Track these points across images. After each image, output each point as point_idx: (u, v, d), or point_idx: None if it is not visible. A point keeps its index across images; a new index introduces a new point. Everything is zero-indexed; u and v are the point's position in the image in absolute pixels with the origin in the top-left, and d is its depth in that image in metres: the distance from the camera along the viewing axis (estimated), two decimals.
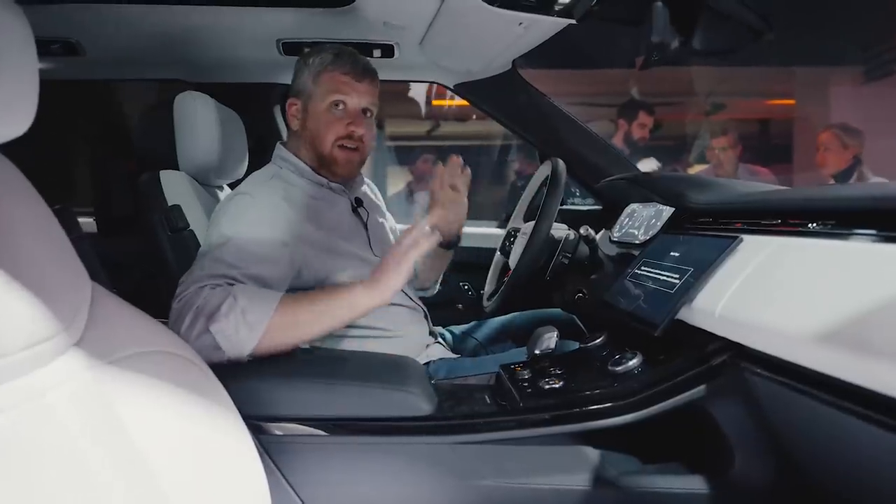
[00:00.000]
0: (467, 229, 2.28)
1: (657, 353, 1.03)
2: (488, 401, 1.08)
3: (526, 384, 1.06)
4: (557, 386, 1.03)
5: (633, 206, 1.58)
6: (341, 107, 1.33)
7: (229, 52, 1.75)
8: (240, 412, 0.95)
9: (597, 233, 1.82)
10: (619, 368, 1.02)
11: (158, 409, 0.74)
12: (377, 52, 1.69)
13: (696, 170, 4.23)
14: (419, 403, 1.00)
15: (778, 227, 0.97)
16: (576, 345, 1.31)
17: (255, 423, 0.98)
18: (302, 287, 1.27)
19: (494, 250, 1.78)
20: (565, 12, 1.26)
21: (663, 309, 1.00)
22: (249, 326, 1.00)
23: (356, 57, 1.35)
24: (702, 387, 0.94)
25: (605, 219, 1.77)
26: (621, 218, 1.60)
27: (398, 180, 5.01)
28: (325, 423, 0.99)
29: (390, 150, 5.84)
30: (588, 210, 2.12)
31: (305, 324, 1.07)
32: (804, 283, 0.80)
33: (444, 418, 1.01)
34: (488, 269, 1.77)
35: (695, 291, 0.97)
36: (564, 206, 2.15)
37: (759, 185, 1.55)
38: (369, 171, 5.40)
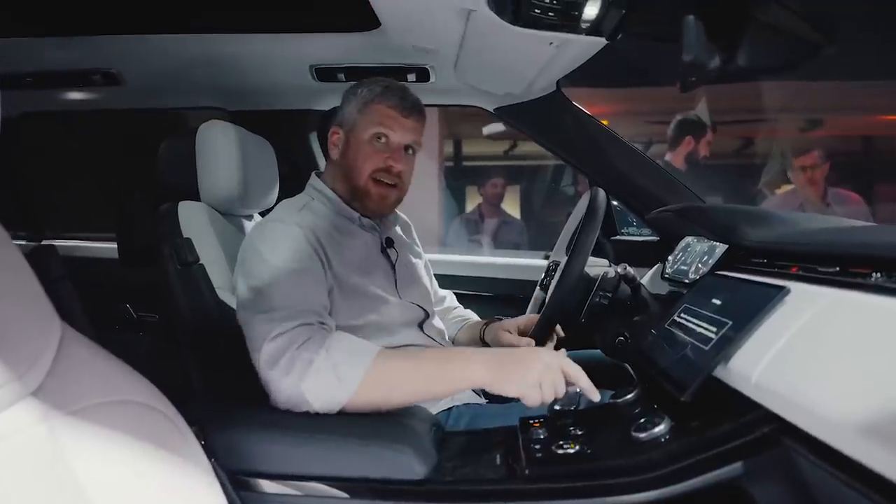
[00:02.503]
0: (510, 260, 2.20)
1: (689, 418, 0.88)
2: (498, 462, 0.97)
3: (538, 446, 0.94)
4: (572, 451, 0.91)
5: (688, 239, 1.43)
6: (383, 140, 1.29)
7: (265, 79, 1.75)
8: (222, 466, 0.90)
9: (652, 266, 1.68)
10: (643, 435, 0.88)
11: (118, 463, 0.69)
12: (411, 77, 1.64)
13: (782, 191, 3.90)
14: (412, 464, 0.90)
15: (835, 275, 0.82)
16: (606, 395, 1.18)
17: (240, 479, 0.92)
18: None
19: (537, 283, 1.66)
20: (593, 30, 1.15)
21: (694, 369, 0.86)
22: (340, 381, 0.96)
23: (406, 92, 1.30)
24: (738, 463, 0.79)
25: (662, 250, 1.62)
26: (675, 252, 1.45)
27: (476, 200, 4.95)
28: (308, 481, 0.91)
29: (469, 170, 5.83)
30: (644, 241, 1.96)
31: (402, 385, 1.00)
32: (856, 353, 0.65)
33: (440, 482, 0.90)
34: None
35: (732, 350, 0.82)
36: (618, 237, 2.01)
37: (833, 219, 1.37)
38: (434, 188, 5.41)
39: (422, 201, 5.25)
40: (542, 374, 0.96)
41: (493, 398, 1.46)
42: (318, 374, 0.97)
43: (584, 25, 1.14)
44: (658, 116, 5.21)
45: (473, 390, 1.40)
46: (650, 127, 5.29)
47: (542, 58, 1.36)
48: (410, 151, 1.34)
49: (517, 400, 1.43)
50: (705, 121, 2.98)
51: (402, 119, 1.29)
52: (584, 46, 1.27)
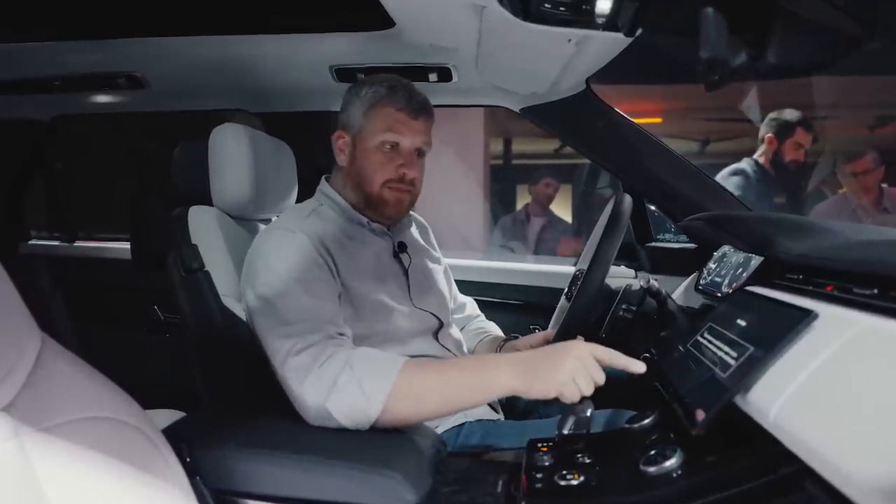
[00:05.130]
0: (539, 267, 2.11)
1: (705, 451, 0.80)
2: (499, 489, 0.91)
3: (540, 475, 0.87)
4: (575, 483, 0.83)
5: (725, 248, 1.33)
6: (394, 147, 1.23)
7: (286, 80, 1.74)
8: (207, 484, 0.87)
9: (689, 275, 1.58)
10: (653, 469, 0.80)
11: (90, 484, 0.67)
12: (433, 77, 1.58)
13: (842, 192, 3.62)
14: (401, 492, 0.84)
15: (871, 299, 0.72)
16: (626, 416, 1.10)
17: (225, 498, 0.89)
18: None
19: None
20: (610, 25, 1.08)
21: (709, 400, 0.78)
22: (367, 398, 0.94)
23: (412, 92, 1.24)
24: None
25: (699, 259, 1.52)
26: (710, 262, 1.36)
27: (526, 200, 4.85)
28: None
29: (519, 169, 5.72)
30: (680, 248, 1.85)
31: (431, 397, 0.98)
32: (884, 396, 0.56)
33: None
34: None
35: (751, 380, 0.74)
36: (653, 244, 1.91)
37: (887, 230, 1.24)
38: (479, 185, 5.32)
39: (466, 203, 5.19)
40: (574, 369, 0.93)
41: (509, 413, 1.40)
42: (343, 393, 0.94)
43: (599, 21, 1.06)
44: (715, 113, 5.00)
45: (489, 405, 1.34)
46: (706, 124, 5.09)
47: (563, 55, 1.29)
48: (421, 155, 1.28)
49: (535, 414, 1.38)
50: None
51: (411, 122, 1.22)
52: (607, 43, 1.20)
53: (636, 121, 1.74)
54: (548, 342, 1.28)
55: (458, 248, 4.20)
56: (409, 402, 0.96)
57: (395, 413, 0.95)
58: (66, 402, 0.69)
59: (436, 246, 1.54)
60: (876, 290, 0.73)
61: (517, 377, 0.94)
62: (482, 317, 1.64)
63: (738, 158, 2.82)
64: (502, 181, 5.70)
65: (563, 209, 4.58)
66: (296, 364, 0.99)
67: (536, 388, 0.93)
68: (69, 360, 0.72)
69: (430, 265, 1.45)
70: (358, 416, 0.95)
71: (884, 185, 2.85)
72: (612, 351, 0.96)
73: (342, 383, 0.95)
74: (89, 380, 0.73)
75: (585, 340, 1.28)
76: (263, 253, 1.16)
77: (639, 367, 0.95)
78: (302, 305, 1.06)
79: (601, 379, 0.94)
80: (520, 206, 4.97)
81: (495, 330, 1.58)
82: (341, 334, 1.05)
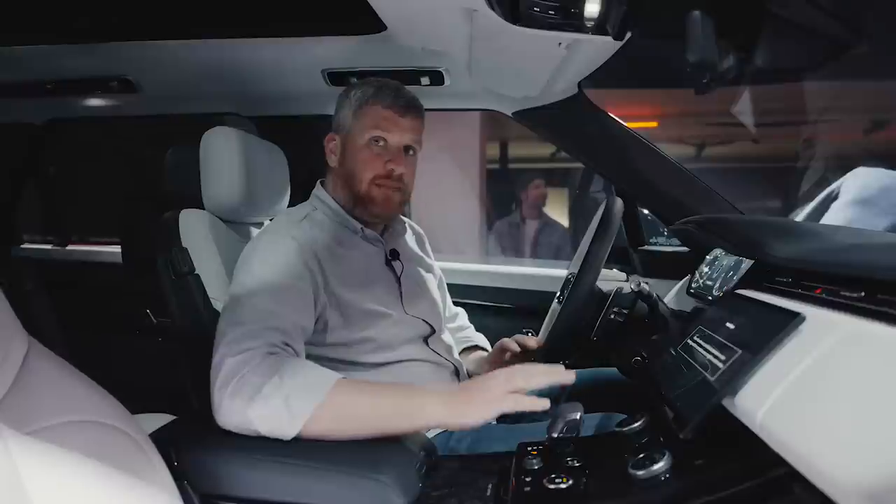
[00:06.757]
0: (532, 270, 2.12)
1: (694, 454, 0.80)
2: (488, 493, 0.91)
3: (528, 478, 0.87)
4: (563, 486, 0.83)
5: (716, 252, 1.33)
6: (381, 143, 1.24)
7: (278, 84, 1.74)
8: (195, 488, 0.87)
9: (682, 278, 1.58)
10: (641, 473, 0.80)
11: (76, 486, 0.67)
12: (425, 80, 1.59)
13: None
14: (390, 496, 0.84)
15: (857, 301, 0.72)
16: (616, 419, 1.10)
17: (212, 502, 0.88)
18: (320, 344, 1.17)
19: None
20: (598, 29, 1.08)
21: (697, 403, 0.78)
22: (291, 414, 0.90)
23: (400, 91, 1.25)
24: None
25: (692, 262, 1.52)
26: (702, 265, 1.36)
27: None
28: None
29: (516, 173, 5.72)
30: (674, 251, 1.86)
31: (356, 420, 0.94)
32: (868, 400, 0.56)
33: None
34: None
35: (738, 383, 0.74)
36: (646, 248, 1.91)
37: (879, 234, 1.24)
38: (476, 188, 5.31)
39: (462, 208, 5.18)
40: (506, 382, 0.93)
41: (500, 416, 1.39)
42: (266, 402, 0.90)
43: (588, 24, 1.07)
44: (712, 118, 5.00)
45: None
46: (704, 129, 5.09)
47: (554, 59, 1.29)
48: (411, 152, 1.29)
49: (525, 419, 1.38)
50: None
51: (398, 119, 1.24)
52: (597, 47, 1.20)
53: (632, 125, 1.74)
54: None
55: (453, 253, 4.21)
56: (331, 423, 0.92)
57: (315, 430, 0.91)
58: (51, 405, 0.68)
59: (431, 254, 1.54)
60: (863, 293, 0.73)
61: (443, 408, 0.93)
62: (471, 328, 1.65)
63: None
64: (499, 185, 5.70)
65: (558, 213, 4.58)
66: (229, 366, 0.94)
67: (462, 418, 0.92)
68: (56, 363, 0.72)
69: (424, 273, 1.44)
70: (279, 428, 0.90)
71: None
72: (534, 367, 0.97)
73: (267, 392, 0.90)
74: (76, 383, 0.73)
75: (576, 344, 1.29)
76: (250, 256, 1.16)
77: (568, 376, 0.96)
78: (261, 311, 1.03)
79: (540, 379, 0.94)
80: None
81: (481, 340, 1.60)
82: (287, 345, 1.02)
